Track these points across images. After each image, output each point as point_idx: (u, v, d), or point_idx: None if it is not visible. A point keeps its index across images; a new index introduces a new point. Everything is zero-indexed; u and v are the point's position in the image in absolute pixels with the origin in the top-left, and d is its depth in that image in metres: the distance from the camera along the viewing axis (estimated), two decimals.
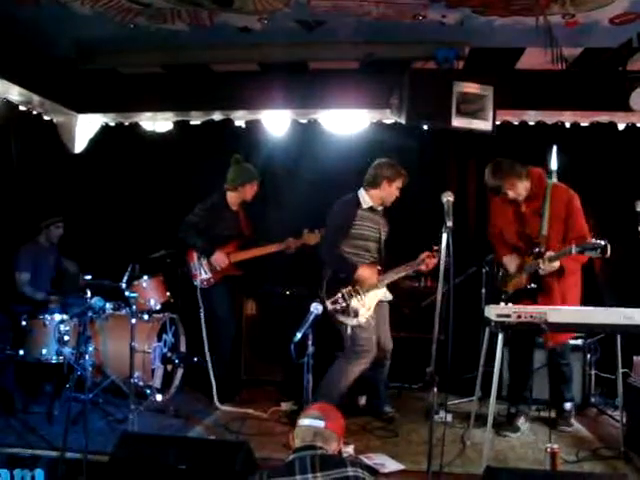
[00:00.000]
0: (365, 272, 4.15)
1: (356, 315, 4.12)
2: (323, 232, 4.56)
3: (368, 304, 4.18)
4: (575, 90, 4.96)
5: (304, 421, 2.48)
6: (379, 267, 4.27)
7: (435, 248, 3.95)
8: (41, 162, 5.50)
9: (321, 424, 2.44)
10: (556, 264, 3.84)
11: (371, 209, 4.32)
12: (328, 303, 4.13)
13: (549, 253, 3.85)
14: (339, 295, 4.14)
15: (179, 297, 5.06)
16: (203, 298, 4.69)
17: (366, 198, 4.30)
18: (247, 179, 4.83)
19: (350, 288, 4.14)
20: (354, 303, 4.13)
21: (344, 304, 4.13)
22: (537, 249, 3.96)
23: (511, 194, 4.03)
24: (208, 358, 4.62)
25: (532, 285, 4.00)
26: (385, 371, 4.46)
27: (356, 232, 4.25)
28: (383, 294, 4.30)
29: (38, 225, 5.12)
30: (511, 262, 4.15)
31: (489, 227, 4.39)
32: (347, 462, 2.34)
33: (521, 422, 4.13)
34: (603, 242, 3.45)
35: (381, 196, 4.30)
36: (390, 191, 4.28)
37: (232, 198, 4.87)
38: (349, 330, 4.13)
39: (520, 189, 4.02)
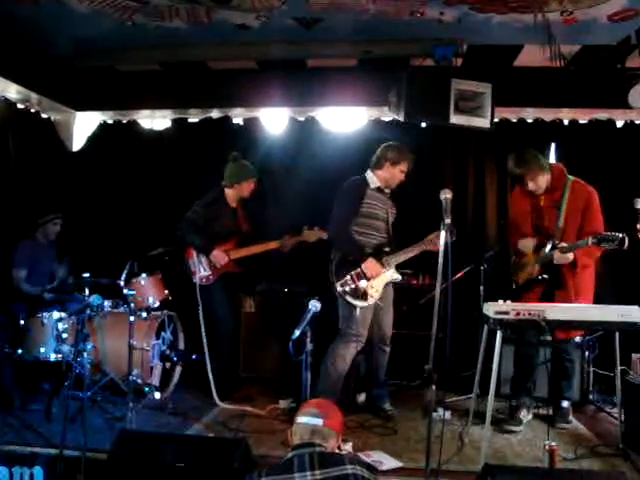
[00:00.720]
0: (370, 266, 4.14)
1: (365, 297, 4.14)
2: (329, 220, 4.52)
3: (376, 286, 4.20)
4: (573, 87, 4.95)
5: (302, 418, 2.47)
6: (387, 248, 4.28)
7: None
8: (39, 160, 5.49)
9: (319, 421, 2.43)
10: (570, 256, 3.88)
11: (379, 189, 4.33)
12: (337, 285, 4.16)
13: (563, 244, 3.89)
14: (348, 277, 4.16)
15: (177, 294, 5.05)
16: (202, 295, 4.69)
17: (373, 178, 4.33)
18: (244, 177, 4.83)
19: (359, 270, 4.15)
20: (363, 284, 4.14)
21: (353, 286, 4.15)
22: (552, 241, 3.99)
23: (531, 186, 4.09)
24: (207, 356, 4.60)
25: (544, 276, 4.03)
26: (385, 358, 4.43)
27: (365, 211, 4.26)
28: (391, 275, 4.31)
29: (35, 222, 5.12)
30: (527, 243, 4.19)
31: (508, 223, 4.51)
32: (346, 459, 2.33)
33: (523, 414, 4.14)
34: (621, 234, 3.48)
35: (385, 177, 4.31)
36: (393, 173, 4.29)
37: (230, 195, 4.87)
38: (357, 312, 4.14)
39: (541, 182, 4.08)
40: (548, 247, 4.03)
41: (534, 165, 4.05)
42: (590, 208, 4.03)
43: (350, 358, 4.23)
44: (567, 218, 4.03)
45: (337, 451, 2.47)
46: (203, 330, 4.64)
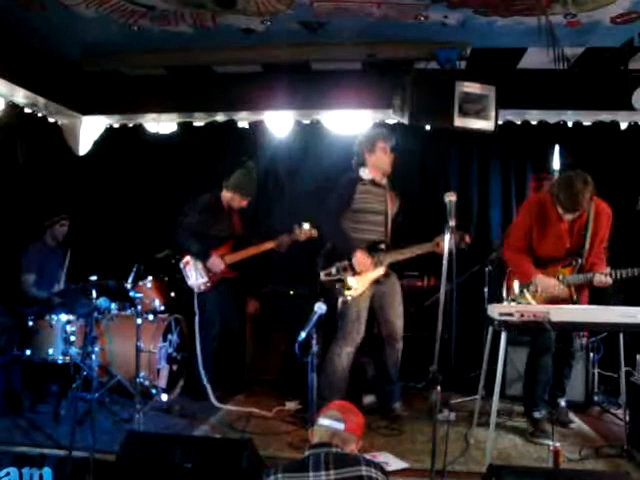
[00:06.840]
0: (360, 260, 4.09)
1: (348, 289, 4.13)
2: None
3: (362, 281, 4.17)
4: (577, 89, 4.97)
5: (324, 421, 2.48)
6: (383, 245, 4.26)
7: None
8: (46, 164, 5.54)
9: (341, 426, 2.44)
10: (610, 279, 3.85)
11: (373, 183, 4.30)
12: (322, 274, 4.16)
13: (620, 270, 3.83)
14: (333, 268, 4.15)
15: (183, 297, 5.06)
16: (199, 302, 4.69)
17: (365, 172, 4.30)
18: (244, 192, 4.81)
19: (346, 263, 4.13)
20: (345, 277, 4.13)
21: (337, 277, 4.14)
22: (579, 260, 3.97)
23: (579, 212, 3.95)
24: (201, 363, 4.60)
25: (574, 297, 3.96)
26: (395, 354, 4.36)
27: (358, 206, 4.24)
28: (379, 273, 4.25)
29: (42, 225, 5.16)
30: (546, 283, 3.99)
31: (513, 241, 4.21)
32: (362, 461, 2.33)
33: (548, 426, 4.03)
34: None
35: (374, 166, 4.30)
36: (378, 157, 4.28)
37: (226, 198, 4.85)
38: (339, 305, 4.15)
39: None
40: (577, 268, 3.97)
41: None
42: (609, 229, 4.02)
43: (346, 357, 4.20)
44: (592, 240, 3.99)
45: (354, 452, 2.46)
46: (197, 338, 4.63)
